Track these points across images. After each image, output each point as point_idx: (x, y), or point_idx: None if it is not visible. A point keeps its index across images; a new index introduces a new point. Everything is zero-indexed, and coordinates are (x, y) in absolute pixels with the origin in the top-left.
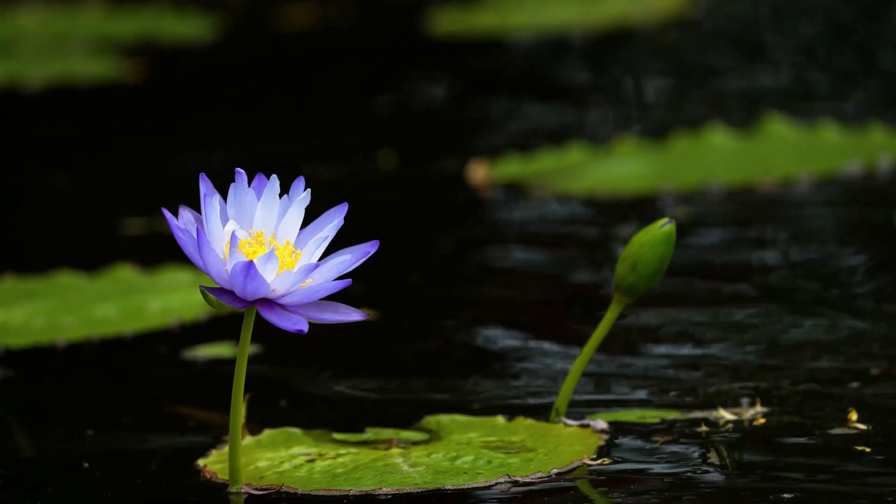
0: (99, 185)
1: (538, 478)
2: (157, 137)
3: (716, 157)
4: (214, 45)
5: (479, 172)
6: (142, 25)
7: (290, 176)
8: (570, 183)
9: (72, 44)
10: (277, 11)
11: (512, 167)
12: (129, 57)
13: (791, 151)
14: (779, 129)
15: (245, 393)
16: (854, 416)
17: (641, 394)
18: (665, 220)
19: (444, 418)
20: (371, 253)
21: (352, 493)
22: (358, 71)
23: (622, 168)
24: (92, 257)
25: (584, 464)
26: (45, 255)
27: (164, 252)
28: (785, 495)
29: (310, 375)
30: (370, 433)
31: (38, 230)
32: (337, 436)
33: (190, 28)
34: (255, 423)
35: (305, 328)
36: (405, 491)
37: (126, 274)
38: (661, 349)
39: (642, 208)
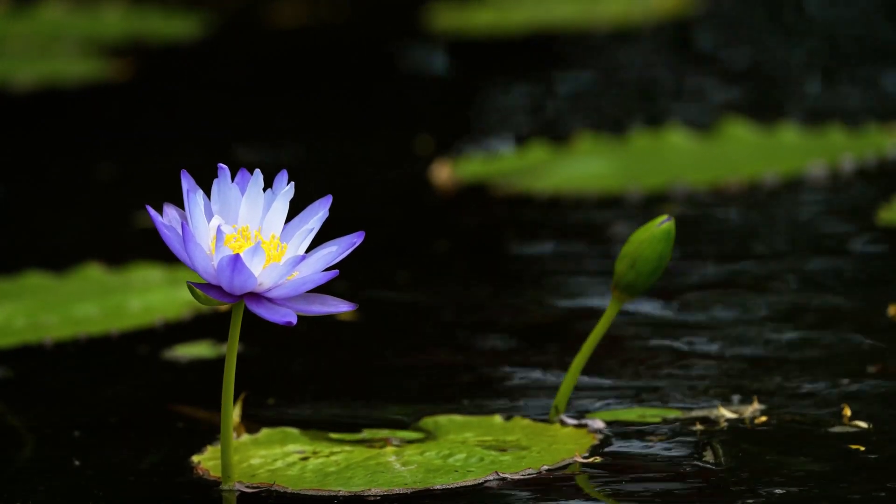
0: (101, 182)
1: (528, 475)
2: (151, 135)
3: (679, 157)
4: (204, 43)
5: (442, 172)
6: (130, 25)
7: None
8: (535, 182)
9: (61, 45)
10: (268, 8)
11: (474, 166)
12: (117, 56)
13: (753, 152)
14: (738, 131)
15: (240, 392)
16: (848, 412)
17: (641, 392)
18: (664, 217)
19: (442, 418)
20: (357, 244)
21: (341, 493)
22: (353, 68)
23: (586, 167)
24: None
25: (576, 462)
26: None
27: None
28: (777, 491)
29: (305, 375)
30: (366, 433)
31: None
32: (333, 435)
33: (179, 27)
34: (254, 422)
35: (294, 320)
36: (395, 491)
37: (95, 273)
38: (661, 347)
39: (625, 207)
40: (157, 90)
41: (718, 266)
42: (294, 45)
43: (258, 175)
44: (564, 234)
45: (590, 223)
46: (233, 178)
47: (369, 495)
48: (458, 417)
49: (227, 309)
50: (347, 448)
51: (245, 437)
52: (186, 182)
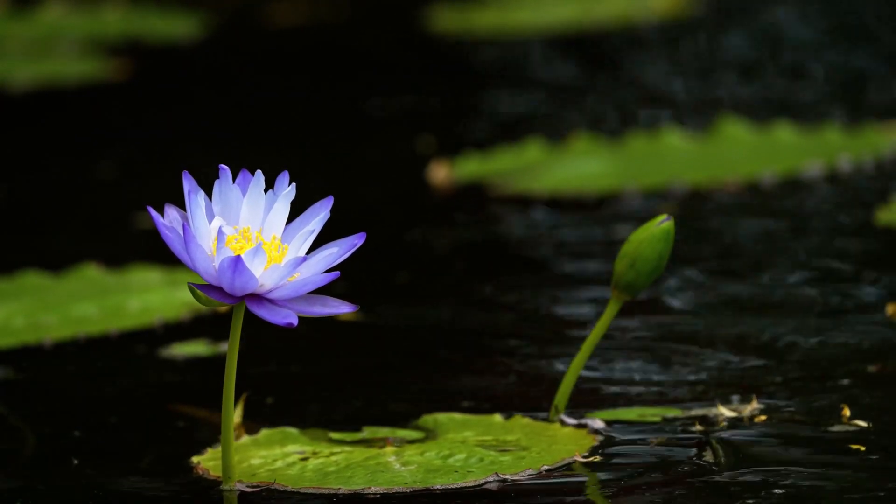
0: (101, 182)
1: (528, 475)
2: (151, 135)
3: (676, 157)
4: (203, 42)
5: (439, 173)
6: (130, 25)
7: (282, 174)
8: (533, 182)
9: (60, 45)
10: (267, 8)
11: (471, 166)
12: (117, 56)
13: (750, 152)
14: (734, 131)
15: (240, 392)
16: (847, 412)
17: (641, 391)
18: (663, 216)
19: (442, 417)
20: (358, 245)
21: (341, 491)
22: (353, 68)
23: (584, 167)
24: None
25: (576, 461)
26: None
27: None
28: (776, 491)
29: (305, 375)
30: (366, 432)
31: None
32: (333, 435)
33: (178, 26)
34: (254, 423)
35: (295, 322)
36: (394, 490)
37: (94, 273)
38: (661, 346)
39: (623, 206)
40: (156, 90)
41: (716, 266)
42: (294, 45)
43: (259, 176)
44: (563, 234)
45: (588, 223)
46: (234, 179)
47: (369, 493)
48: (457, 416)
49: (226, 310)
50: (347, 448)
51: (245, 437)
52: (188, 183)
